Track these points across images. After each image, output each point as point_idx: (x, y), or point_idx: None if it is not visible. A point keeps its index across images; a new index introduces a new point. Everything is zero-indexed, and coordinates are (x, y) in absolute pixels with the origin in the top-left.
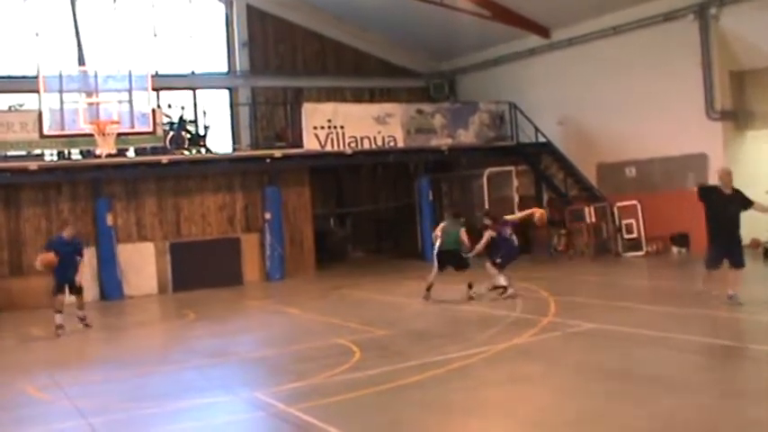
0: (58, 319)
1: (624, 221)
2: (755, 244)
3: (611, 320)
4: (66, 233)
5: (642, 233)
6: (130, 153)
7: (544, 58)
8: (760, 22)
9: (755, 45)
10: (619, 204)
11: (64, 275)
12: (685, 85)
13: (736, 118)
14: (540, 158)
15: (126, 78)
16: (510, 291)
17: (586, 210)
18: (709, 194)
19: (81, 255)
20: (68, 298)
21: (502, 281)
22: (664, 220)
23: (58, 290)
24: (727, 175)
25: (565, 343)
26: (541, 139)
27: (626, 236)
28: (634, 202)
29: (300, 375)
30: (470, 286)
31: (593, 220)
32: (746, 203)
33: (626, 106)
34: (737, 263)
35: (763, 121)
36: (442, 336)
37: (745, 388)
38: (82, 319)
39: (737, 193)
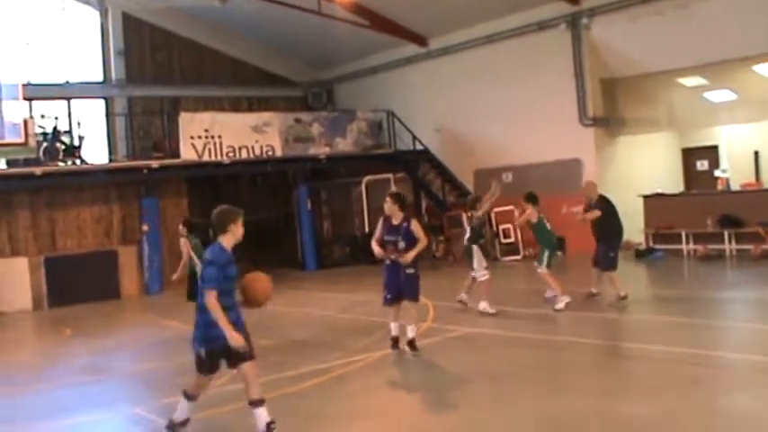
0: None
1: (501, 226)
2: (628, 246)
3: (489, 324)
4: None
5: (519, 237)
6: (2, 165)
7: (421, 66)
8: (628, 32)
9: (625, 54)
10: (496, 210)
11: None
12: (559, 92)
13: (608, 124)
14: (417, 166)
15: None
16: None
17: (464, 216)
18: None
19: None
20: None
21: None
22: None
23: None
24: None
25: (443, 348)
26: (419, 147)
27: (503, 240)
28: (511, 207)
29: (181, 389)
30: None
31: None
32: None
33: (502, 113)
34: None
35: (632, 127)
36: (322, 344)
37: (617, 387)
38: None
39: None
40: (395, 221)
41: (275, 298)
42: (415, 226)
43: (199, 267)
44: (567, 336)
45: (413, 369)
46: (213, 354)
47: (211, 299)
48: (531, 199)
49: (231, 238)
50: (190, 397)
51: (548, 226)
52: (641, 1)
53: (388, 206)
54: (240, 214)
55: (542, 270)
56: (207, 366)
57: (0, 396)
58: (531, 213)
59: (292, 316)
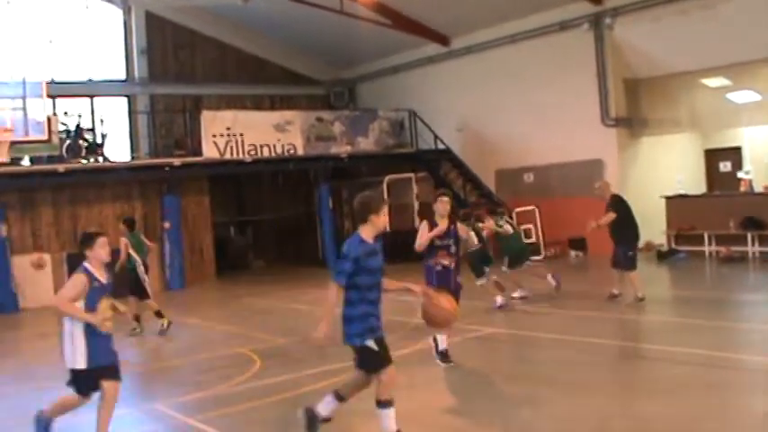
0: None
1: (523, 226)
2: (650, 247)
3: (510, 324)
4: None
5: (540, 237)
6: (25, 162)
7: (443, 65)
8: (651, 32)
9: (648, 54)
10: (517, 210)
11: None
12: (581, 92)
13: (631, 125)
14: (439, 165)
15: (20, 85)
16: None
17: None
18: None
19: None
20: None
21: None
22: (561, 224)
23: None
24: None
25: (465, 347)
26: (441, 146)
27: (524, 240)
28: (532, 207)
29: (201, 386)
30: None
31: None
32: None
33: (524, 113)
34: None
35: (655, 128)
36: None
37: (639, 387)
38: None
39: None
40: (443, 225)
41: (297, 296)
42: (461, 228)
43: (138, 264)
44: (586, 336)
45: (435, 369)
46: (381, 341)
47: (332, 293)
48: (490, 212)
49: (371, 228)
50: (385, 404)
51: (509, 230)
52: (665, 1)
53: (445, 206)
54: (384, 203)
55: (504, 271)
56: (381, 355)
57: (22, 390)
58: (490, 224)
59: (312, 314)
